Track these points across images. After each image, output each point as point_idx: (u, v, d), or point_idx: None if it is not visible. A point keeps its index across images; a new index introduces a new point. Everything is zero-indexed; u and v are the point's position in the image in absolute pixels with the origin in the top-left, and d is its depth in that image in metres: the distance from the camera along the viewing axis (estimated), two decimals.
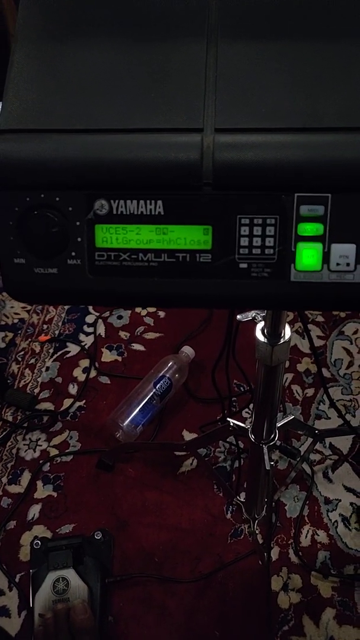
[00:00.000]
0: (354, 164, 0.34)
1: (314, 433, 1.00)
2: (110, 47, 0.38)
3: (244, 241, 0.36)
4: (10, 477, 1.15)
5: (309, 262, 0.36)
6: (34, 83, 0.37)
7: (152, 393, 1.21)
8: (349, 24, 0.37)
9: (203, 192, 0.35)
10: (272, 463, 0.79)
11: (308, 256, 0.36)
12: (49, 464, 1.17)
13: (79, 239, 0.37)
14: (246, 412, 1.24)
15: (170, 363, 1.26)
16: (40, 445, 1.20)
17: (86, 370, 1.34)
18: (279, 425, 0.84)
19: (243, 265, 0.36)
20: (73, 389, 1.31)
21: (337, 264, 0.35)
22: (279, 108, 0.35)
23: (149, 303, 0.38)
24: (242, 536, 1.05)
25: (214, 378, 1.02)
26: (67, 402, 1.28)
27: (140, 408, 1.20)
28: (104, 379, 1.32)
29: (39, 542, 0.99)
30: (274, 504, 1.05)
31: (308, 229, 0.35)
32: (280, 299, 0.37)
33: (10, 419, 1.25)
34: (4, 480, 1.15)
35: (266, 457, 0.79)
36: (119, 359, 1.36)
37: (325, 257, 0.36)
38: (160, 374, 1.24)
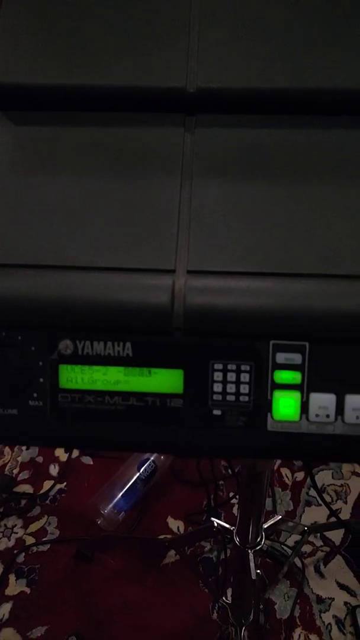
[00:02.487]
0: (332, 313, 0.32)
1: (302, 530, 0.96)
2: (83, 182, 0.37)
3: (218, 387, 0.34)
4: None
5: (287, 412, 0.33)
6: (1, 216, 0.36)
7: (136, 477, 1.16)
8: (326, 168, 0.37)
9: (174, 337, 0.33)
10: (258, 572, 0.74)
11: (285, 405, 0.33)
12: (23, 554, 1.10)
13: (42, 380, 0.35)
14: (236, 498, 1.19)
15: None
16: (16, 533, 1.14)
17: (68, 450, 1.29)
18: (265, 526, 0.80)
19: (217, 413, 0.34)
20: (54, 470, 1.25)
21: (317, 415, 0.33)
22: (253, 251, 0.34)
23: (116, 448, 0.35)
24: None
25: (199, 465, 0.98)
26: (47, 484, 1.22)
27: (123, 493, 1.15)
28: (87, 460, 1.27)
29: None
30: (262, 605, 0.98)
31: (285, 377, 0.33)
32: (256, 449, 0.34)
33: None
34: None
35: (252, 564, 0.74)
36: None
37: (304, 407, 0.33)
38: (145, 457, 1.20)
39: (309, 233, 0.34)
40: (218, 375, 0.34)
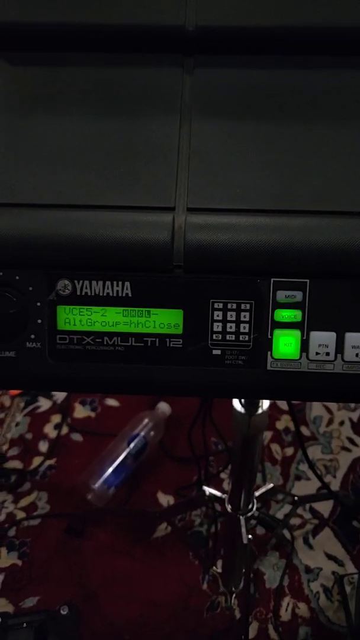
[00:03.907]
0: (333, 248, 0.32)
1: (293, 500, 0.96)
2: (81, 121, 0.37)
3: (217, 326, 0.33)
4: None
5: (287, 351, 0.33)
6: None
7: (126, 452, 1.16)
8: (324, 107, 0.37)
9: (174, 275, 0.33)
10: (249, 537, 0.74)
11: (285, 344, 0.33)
12: (14, 528, 1.10)
13: (39, 321, 0.34)
14: (225, 473, 1.19)
15: (146, 420, 1.22)
16: (6, 508, 1.14)
17: (58, 427, 1.28)
18: (257, 494, 0.80)
19: (216, 352, 0.34)
20: (44, 446, 1.25)
21: (317, 353, 0.33)
22: (253, 188, 0.34)
23: (115, 390, 0.35)
24: (219, 609, 0.99)
25: (190, 440, 0.99)
26: (37, 461, 1.22)
27: (114, 469, 1.15)
28: (76, 436, 1.27)
29: None
30: (252, 574, 0.99)
31: (285, 315, 0.33)
32: (256, 389, 0.34)
33: None
34: None
35: (243, 529, 0.75)
36: (92, 414, 1.31)
37: (304, 346, 0.33)
38: (135, 432, 1.20)
39: (308, 171, 0.34)
40: (218, 314, 0.33)
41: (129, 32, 0.39)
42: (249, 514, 0.78)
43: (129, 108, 0.37)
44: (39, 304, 0.34)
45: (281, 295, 0.33)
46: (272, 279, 0.33)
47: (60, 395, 1.35)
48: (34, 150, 0.36)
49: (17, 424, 1.30)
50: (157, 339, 0.34)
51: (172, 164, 0.35)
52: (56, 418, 1.30)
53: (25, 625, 0.89)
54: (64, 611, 0.94)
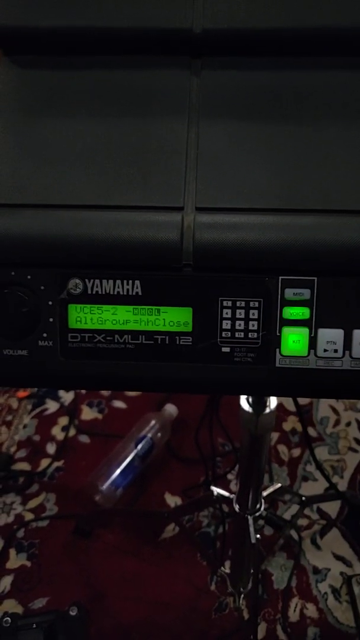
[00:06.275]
0: (340, 246, 0.33)
1: (300, 500, 0.97)
2: (90, 123, 0.37)
3: (227, 324, 0.34)
4: None
5: (295, 348, 0.34)
6: (9, 158, 0.36)
7: (133, 454, 1.17)
8: (330, 108, 0.37)
9: (183, 273, 0.34)
10: (257, 536, 0.74)
11: (294, 341, 0.34)
12: (23, 529, 1.11)
13: (51, 319, 0.35)
14: (232, 474, 1.19)
15: (153, 422, 1.23)
16: (15, 509, 1.14)
17: (65, 429, 1.29)
18: (265, 494, 0.81)
19: (225, 350, 0.34)
20: (51, 448, 1.26)
21: (325, 350, 0.34)
22: (260, 188, 0.34)
23: (125, 387, 0.36)
24: (227, 610, 0.99)
25: (197, 441, 0.99)
26: (44, 462, 1.22)
27: (121, 470, 1.15)
28: (84, 438, 1.27)
29: (9, 619, 0.92)
30: (260, 575, 0.99)
31: (293, 312, 0.33)
32: (265, 385, 0.34)
33: None
34: None
35: (252, 529, 0.75)
36: (100, 416, 1.32)
37: (312, 343, 0.34)
38: (142, 434, 1.20)
39: (315, 170, 0.35)
40: (227, 312, 0.34)
41: (137, 35, 0.40)
42: (257, 514, 0.78)
43: (137, 110, 0.38)
44: (50, 302, 0.35)
45: (289, 293, 0.33)
46: (280, 277, 0.33)
47: (67, 397, 1.36)
48: (45, 151, 0.37)
49: (24, 426, 1.30)
50: (167, 337, 0.34)
51: (181, 165, 0.35)
52: (64, 420, 1.31)
53: (34, 626, 0.89)
54: (73, 612, 0.94)
